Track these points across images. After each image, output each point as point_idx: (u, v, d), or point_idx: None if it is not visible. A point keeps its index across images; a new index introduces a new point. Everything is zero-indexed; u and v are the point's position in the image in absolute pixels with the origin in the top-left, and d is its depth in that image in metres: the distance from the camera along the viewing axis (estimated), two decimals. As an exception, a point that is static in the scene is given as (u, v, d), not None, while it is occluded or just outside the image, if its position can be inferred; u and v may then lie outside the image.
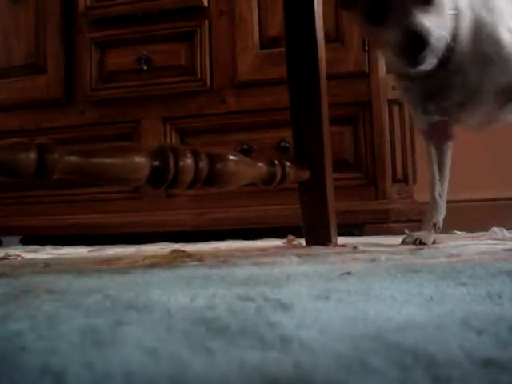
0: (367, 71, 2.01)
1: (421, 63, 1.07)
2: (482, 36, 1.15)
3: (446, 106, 1.24)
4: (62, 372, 0.29)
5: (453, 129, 1.37)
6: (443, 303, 0.46)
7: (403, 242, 1.31)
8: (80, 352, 0.33)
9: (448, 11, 1.10)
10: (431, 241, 1.31)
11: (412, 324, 0.38)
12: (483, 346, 0.32)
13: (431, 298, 0.48)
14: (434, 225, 1.36)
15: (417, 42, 1.03)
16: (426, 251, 1.05)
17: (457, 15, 1.12)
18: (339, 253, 1.09)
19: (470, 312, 0.42)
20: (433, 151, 1.36)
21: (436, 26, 1.06)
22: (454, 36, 1.12)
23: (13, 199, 2.31)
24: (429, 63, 1.08)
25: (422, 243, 1.28)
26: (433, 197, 1.37)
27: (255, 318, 0.41)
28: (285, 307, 0.45)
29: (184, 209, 2.14)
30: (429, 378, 0.27)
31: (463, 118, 1.28)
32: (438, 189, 1.37)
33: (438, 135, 1.35)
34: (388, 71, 1.24)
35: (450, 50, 1.12)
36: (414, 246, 1.22)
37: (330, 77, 1.43)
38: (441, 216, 1.37)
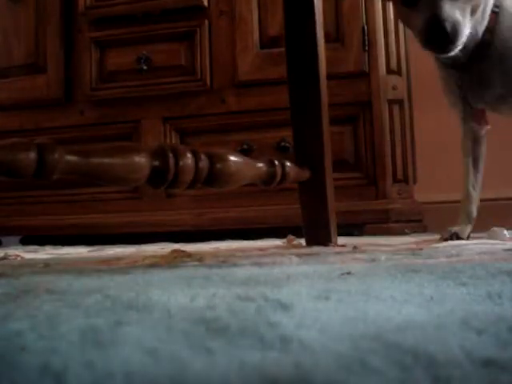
0: (367, 71, 2.01)
1: (439, 50, 1.12)
2: None
3: (485, 97, 1.27)
4: (62, 372, 0.29)
5: (487, 116, 1.39)
6: (443, 303, 0.46)
7: (441, 238, 1.34)
8: (80, 352, 0.33)
9: (485, 6, 1.17)
10: (467, 234, 1.35)
11: (412, 324, 0.38)
12: (483, 346, 0.32)
13: (431, 298, 0.48)
14: (469, 217, 1.38)
15: (436, 29, 1.08)
16: (425, 251, 1.05)
17: (498, 12, 1.19)
18: (339, 253, 1.09)
19: (470, 312, 0.42)
20: (469, 143, 1.38)
21: (460, 17, 1.10)
22: (492, 30, 1.19)
23: (12, 199, 2.31)
24: (450, 50, 1.11)
25: (458, 237, 1.31)
26: (466, 189, 1.39)
27: (255, 318, 0.41)
28: (285, 307, 0.45)
29: (184, 209, 2.14)
30: (429, 378, 0.27)
31: (502, 109, 1.31)
32: (471, 181, 1.38)
33: (477, 121, 1.36)
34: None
35: (488, 43, 1.19)
36: (414, 246, 1.22)
37: (329, 76, 1.43)
38: (474, 208, 1.39)
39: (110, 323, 0.40)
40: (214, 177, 1.00)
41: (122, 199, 2.21)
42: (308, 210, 1.37)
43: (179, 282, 0.64)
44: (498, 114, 1.37)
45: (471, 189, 1.39)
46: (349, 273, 0.68)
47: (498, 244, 1.17)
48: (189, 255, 1.10)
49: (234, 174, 1.04)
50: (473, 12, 1.13)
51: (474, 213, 1.39)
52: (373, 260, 0.89)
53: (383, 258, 0.91)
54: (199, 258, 1.02)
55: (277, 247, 1.34)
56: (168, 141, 2.17)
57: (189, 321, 0.40)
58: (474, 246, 1.13)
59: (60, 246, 1.85)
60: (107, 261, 1.08)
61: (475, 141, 1.39)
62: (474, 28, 1.16)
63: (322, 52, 1.36)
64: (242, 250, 1.26)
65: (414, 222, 2.02)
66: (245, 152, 2.01)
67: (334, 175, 1.40)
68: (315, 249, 1.23)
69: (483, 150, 1.40)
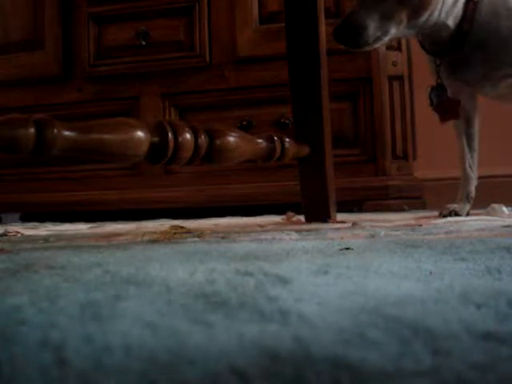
0: (367, 47, 2.00)
1: (346, 46, 1.21)
2: (499, 11, 1.24)
3: (471, 78, 1.31)
4: (61, 345, 0.29)
5: (477, 100, 1.42)
6: (442, 278, 0.46)
7: (440, 215, 1.37)
8: (79, 326, 0.33)
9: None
10: (465, 212, 1.38)
11: (411, 298, 0.38)
12: (482, 320, 0.32)
13: (430, 272, 0.49)
14: (468, 196, 1.40)
15: (340, 29, 1.18)
16: (425, 227, 1.05)
17: (477, 1, 1.24)
18: (338, 229, 1.09)
19: (469, 286, 0.42)
20: (461, 123, 1.39)
21: (369, 22, 1.17)
22: (470, 19, 1.24)
23: (12, 176, 2.31)
24: (357, 48, 1.21)
25: (457, 214, 1.35)
26: (464, 169, 1.42)
27: (254, 292, 0.41)
28: (284, 281, 0.45)
29: (183, 185, 2.14)
30: (428, 351, 0.27)
31: (487, 89, 1.33)
32: (467, 161, 1.40)
33: (466, 105, 1.39)
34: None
35: (466, 31, 1.25)
36: (413, 222, 1.22)
37: (330, 52, 1.42)
38: (473, 187, 1.42)
39: (110, 297, 0.40)
40: (213, 153, 1.00)
41: (121, 176, 2.21)
42: (307, 186, 1.36)
43: (179, 257, 0.64)
44: (483, 95, 1.40)
45: (469, 169, 1.41)
46: (348, 248, 0.68)
47: (497, 221, 1.18)
48: (188, 231, 1.10)
49: (233, 151, 1.04)
50: (416, 13, 1.19)
51: (473, 192, 1.41)
52: (372, 236, 0.89)
53: (382, 233, 0.91)
54: (198, 234, 1.02)
55: (276, 223, 1.34)
56: (167, 117, 2.17)
57: (188, 295, 0.41)
58: (473, 223, 1.13)
59: (60, 223, 1.85)
60: (107, 237, 1.08)
61: (467, 121, 1.40)
62: (440, 20, 1.23)
63: (322, 27, 1.35)
64: (242, 227, 1.26)
65: (413, 198, 2.02)
66: (244, 128, 2.00)
67: (333, 152, 1.40)
68: (314, 225, 1.23)
69: (476, 128, 1.42)
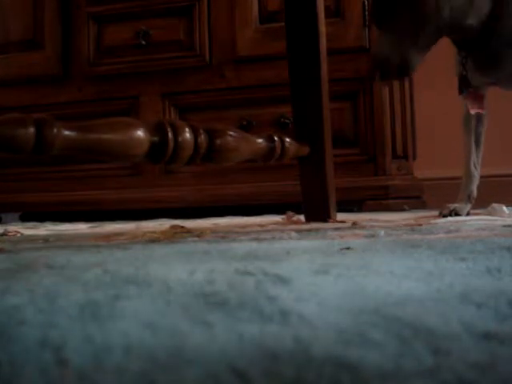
0: (367, 46, 2.00)
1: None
2: None
3: (498, 76, 1.29)
4: (61, 345, 0.29)
5: (486, 100, 1.40)
6: (442, 278, 0.46)
7: (440, 214, 1.35)
8: (79, 326, 0.33)
9: None
10: (466, 212, 1.36)
11: (411, 298, 0.38)
12: (482, 320, 0.32)
13: (430, 272, 0.48)
14: (469, 196, 1.39)
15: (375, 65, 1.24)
16: (425, 227, 1.05)
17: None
18: (338, 228, 1.09)
19: (469, 286, 0.42)
20: (472, 120, 1.39)
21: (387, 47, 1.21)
22: (496, 17, 1.22)
23: (12, 175, 2.30)
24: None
25: (457, 214, 1.33)
26: (468, 168, 1.40)
27: (254, 292, 0.41)
28: (284, 281, 0.45)
29: (183, 185, 2.14)
30: (428, 351, 0.27)
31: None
32: (473, 159, 1.39)
33: (478, 103, 1.38)
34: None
35: (490, 29, 1.23)
36: (413, 222, 1.22)
37: (330, 52, 1.42)
38: (475, 186, 1.40)
39: (109, 297, 0.40)
40: (213, 152, 1.00)
41: (121, 176, 2.21)
42: (307, 186, 1.36)
43: (178, 257, 0.64)
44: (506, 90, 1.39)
45: (473, 168, 1.39)
46: (348, 248, 0.68)
47: (497, 220, 1.17)
48: (188, 231, 1.10)
49: (233, 150, 1.04)
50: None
51: (475, 192, 1.39)
52: (372, 235, 0.89)
53: (382, 233, 0.91)
54: (198, 234, 1.02)
55: (276, 223, 1.34)
56: (167, 117, 2.17)
57: (188, 295, 0.40)
58: (474, 223, 1.13)
59: (60, 223, 1.85)
60: (107, 236, 1.08)
61: (478, 119, 1.39)
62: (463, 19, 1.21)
63: (322, 27, 1.35)
64: (242, 226, 1.26)
65: (413, 198, 2.02)
66: (244, 128, 2.00)
67: (333, 151, 1.40)
68: (314, 225, 1.23)
69: (484, 128, 1.40)
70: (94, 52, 2.23)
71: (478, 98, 1.34)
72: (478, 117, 1.39)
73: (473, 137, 1.39)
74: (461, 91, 1.33)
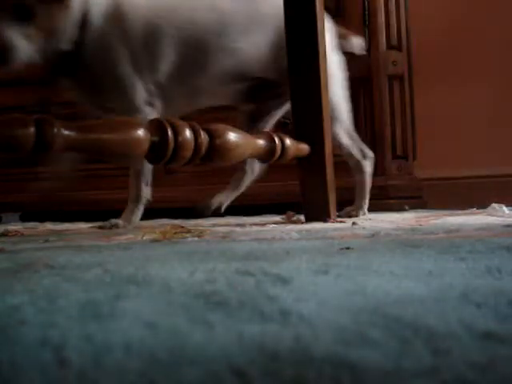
0: (367, 46, 2.00)
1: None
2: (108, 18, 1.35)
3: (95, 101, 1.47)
4: (61, 345, 0.29)
5: None
6: (442, 277, 0.46)
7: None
8: (79, 325, 0.33)
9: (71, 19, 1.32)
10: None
11: (411, 298, 0.38)
12: (482, 320, 0.32)
13: (430, 272, 0.48)
14: None
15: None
16: (425, 227, 1.05)
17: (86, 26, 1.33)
18: (338, 228, 1.09)
19: (469, 286, 0.42)
20: None
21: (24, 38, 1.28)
22: (79, 43, 1.34)
23: (12, 175, 2.30)
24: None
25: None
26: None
27: (254, 292, 0.41)
28: (284, 281, 0.45)
29: (183, 185, 2.14)
30: (428, 351, 0.27)
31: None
32: None
33: None
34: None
35: (75, 55, 1.36)
36: (414, 222, 1.22)
37: (329, 52, 1.42)
38: None
39: (110, 297, 0.40)
40: (213, 152, 1.00)
41: (121, 175, 2.20)
42: (307, 185, 1.36)
43: (179, 257, 0.64)
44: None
45: None
46: (348, 248, 0.68)
47: (497, 220, 1.17)
48: (188, 231, 1.10)
49: (233, 150, 1.04)
50: (50, 30, 1.28)
51: None
52: (372, 235, 0.89)
53: (382, 233, 0.91)
54: (199, 234, 1.02)
55: (276, 223, 1.34)
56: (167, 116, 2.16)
57: (188, 295, 0.41)
58: (474, 222, 1.13)
59: (60, 222, 1.85)
60: (107, 237, 1.08)
61: None
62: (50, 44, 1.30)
63: (321, 27, 1.35)
64: (242, 226, 1.26)
65: (413, 198, 2.02)
66: (244, 128, 2.00)
67: (333, 151, 1.40)
68: (314, 224, 1.23)
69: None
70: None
71: None
72: None
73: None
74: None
